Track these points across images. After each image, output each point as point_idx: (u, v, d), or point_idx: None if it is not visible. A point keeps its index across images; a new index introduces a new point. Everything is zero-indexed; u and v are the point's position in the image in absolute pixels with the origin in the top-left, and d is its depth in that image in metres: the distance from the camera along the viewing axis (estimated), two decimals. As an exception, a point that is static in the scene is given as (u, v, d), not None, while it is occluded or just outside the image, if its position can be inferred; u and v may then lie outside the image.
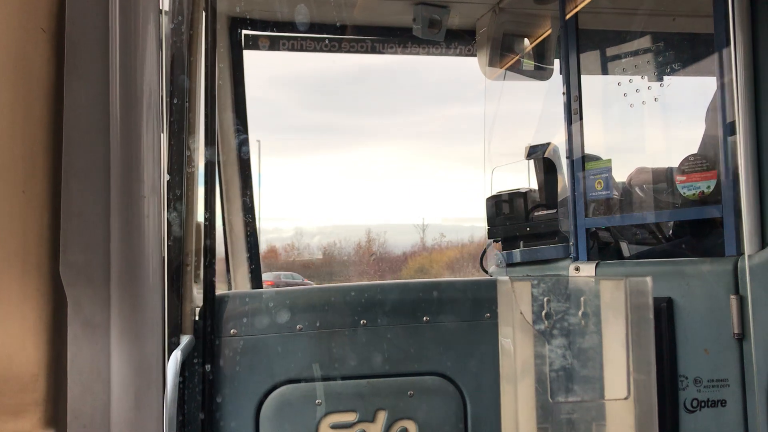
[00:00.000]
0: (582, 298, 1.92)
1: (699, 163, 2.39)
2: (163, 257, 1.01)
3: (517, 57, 3.59)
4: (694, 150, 2.55)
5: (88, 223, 0.98)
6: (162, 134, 1.02)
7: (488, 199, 3.44)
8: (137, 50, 1.00)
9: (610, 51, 3.23)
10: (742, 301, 2.10)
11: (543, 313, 1.90)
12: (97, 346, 0.97)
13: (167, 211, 2.14)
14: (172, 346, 2.10)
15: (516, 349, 1.90)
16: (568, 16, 2.87)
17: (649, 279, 1.90)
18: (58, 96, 0.99)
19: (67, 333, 0.97)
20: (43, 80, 0.99)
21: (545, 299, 1.90)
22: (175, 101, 2.14)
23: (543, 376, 1.88)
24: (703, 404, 2.16)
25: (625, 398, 1.88)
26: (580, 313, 1.91)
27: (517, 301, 1.89)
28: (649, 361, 1.91)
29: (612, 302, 1.91)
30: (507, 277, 1.97)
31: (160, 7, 1.04)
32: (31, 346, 0.96)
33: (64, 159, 0.97)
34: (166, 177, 2.10)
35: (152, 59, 1.00)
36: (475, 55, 3.66)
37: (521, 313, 1.88)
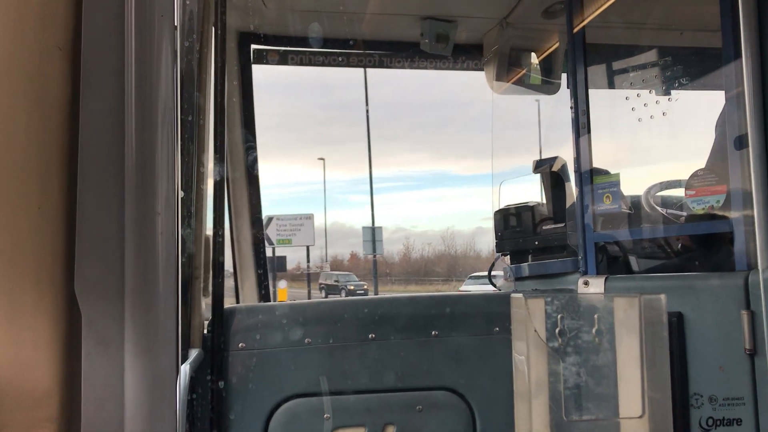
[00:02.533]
0: (595, 315, 1.91)
1: (708, 178, 2.39)
2: (177, 272, 1.01)
3: (524, 71, 3.60)
4: (704, 164, 2.55)
5: (103, 240, 0.98)
6: (176, 150, 1.02)
7: (496, 213, 3.43)
8: (152, 67, 1.00)
9: (618, 65, 3.24)
10: (753, 316, 2.08)
11: (557, 330, 1.89)
12: (111, 361, 0.97)
13: (181, 227, 2.14)
14: (181, 360, 2.10)
15: (530, 366, 1.89)
16: (575, 30, 2.88)
17: (663, 296, 1.89)
18: (74, 113, 0.99)
19: (80, 349, 0.97)
20: (59, 98, 0.99)
21: (559, 316, 1.90)
22: (186, 117, 2.15)
23: (557, 394, 1.87)
24: (718, 423, 2.14)
25: (640, 417, 1.87)
26: (593, 330, 1.90)
27: (531, 318, 1.89)
28: (664, 379, 1.90)
29: (625, 319, 1.90)
30: (520, 294, 1.96)
31: (174, 24, 1.05)
32: (45, 362, 0.96)
33: (80, 176, 0.98)
34: (181, 193, 2.11)
35: (167, 76, 1.01)
36: (482, 70, 3.67)
37: (535, 330, 1.87)
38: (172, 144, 1.01)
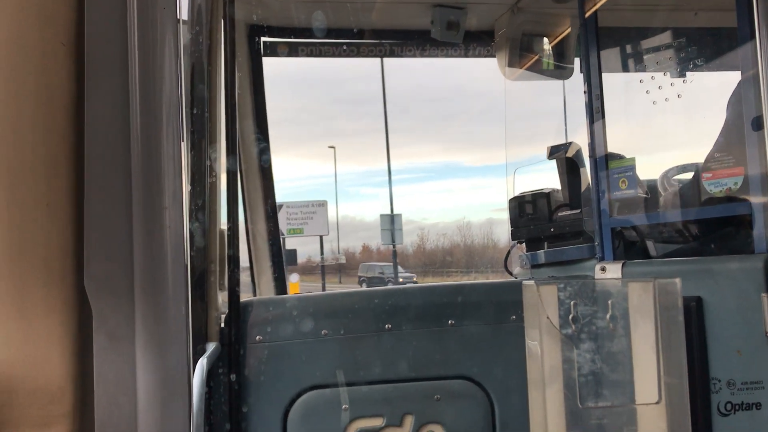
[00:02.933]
0: (609, 301, 1.89)
1: (725, 159, 2.35)
2: (186, 267, 1.01)
3: (536, 56, 3.57)
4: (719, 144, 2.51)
5: (111, 235, 0.98)
6: (183, 144, 1.02)
7: (511, 200, 3.41)
8: (156, 61, 1.00)
9: (631, 48, 3.20)
10: None
11: (570, 317, 1.88)
12: (123, 357, 0.98)
13: (190, 221, 2.15)
14: (198, 354, 2.11)
15: (543, 353, 1.87)
16: (587, 14, 2.84)
17: (678, 280, 1.87)
18: (79, 109, 0.99)
19: (92, 345, 0.97)
20: (64, 93, 0.99)
21: (572, 302, 1.88)
22: (195, 111, 2.15)
23: (571, 381, 1.86)
24: (737, 407, 2.11)
25: (657, 402, 1.85)
26: (608, 316, 1.88)
27: (543, 305, 1.87)
28: (680, 364, 1.88)
29: (640, 304, 1.88)
30: (532, 281, 1.95)
31: (179, 17, 1.05)
32: (57, 359, 0.97)
33: (86, 171, 0.98)
34: (188, 187, 2.11)
35: (171, 70, 1.01)
36: (493, 56, 3.64)
37: (548, 317, 1.85)
38: (178, 137, 1.00)
